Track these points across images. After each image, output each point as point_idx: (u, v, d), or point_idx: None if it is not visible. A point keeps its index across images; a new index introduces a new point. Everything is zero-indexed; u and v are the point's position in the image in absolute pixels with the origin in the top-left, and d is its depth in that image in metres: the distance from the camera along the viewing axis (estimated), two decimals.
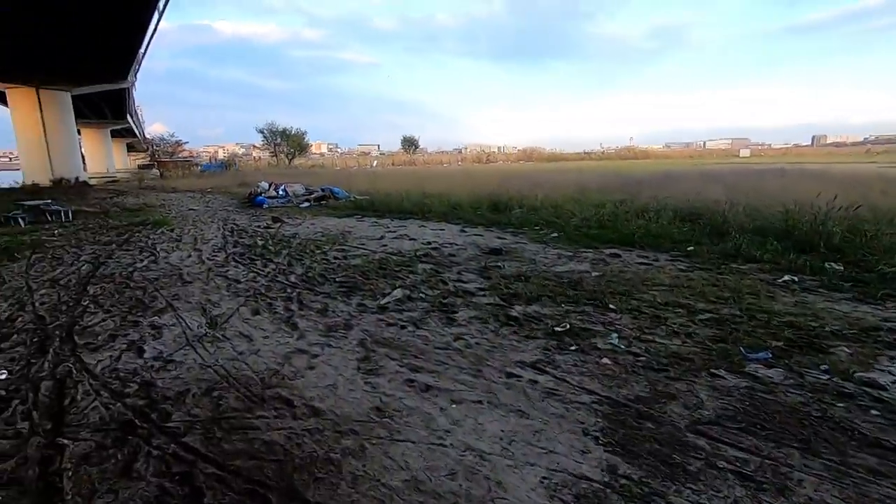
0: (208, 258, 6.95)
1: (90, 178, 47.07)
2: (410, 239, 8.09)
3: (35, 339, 3.79)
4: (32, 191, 21.79)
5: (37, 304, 4.74)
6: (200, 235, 9.03)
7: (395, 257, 6.63)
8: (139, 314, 4.37)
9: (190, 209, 14.26)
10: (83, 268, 6.45)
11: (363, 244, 7.73)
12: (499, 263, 6.06)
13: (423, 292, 4.87)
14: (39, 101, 32.22)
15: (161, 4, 21.85)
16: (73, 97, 34.76)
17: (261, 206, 14.11)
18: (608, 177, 19.61)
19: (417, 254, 6.79)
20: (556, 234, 8.03)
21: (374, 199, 13.33)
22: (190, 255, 7.16)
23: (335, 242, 7.93)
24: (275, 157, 59.58)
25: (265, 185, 16.28)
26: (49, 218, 11.76)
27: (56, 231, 9.68)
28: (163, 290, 5.17)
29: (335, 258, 6.69)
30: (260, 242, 8.05)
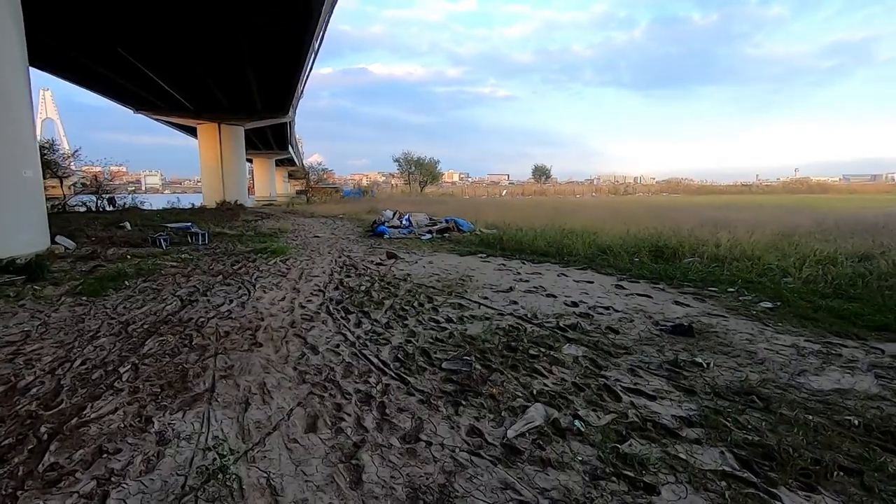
0: (301, 304, 5.75)
1: (256, 200, 53.46)
2: (548, 295, 6.10)
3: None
4: (195, 211, 24.24)
5: (74, 364, 3.76)
6: (308, 271, 8.09)
7: (529, 327, 4.70)
8: (164, 404, 3.06)
9: (315, 236, 13.99)
10: (169, 307, 5.65)
11: (486, 298, 5.94)
12: (696, 357, 3.79)
13: (579, 414, 2.87)
14: (220, 135, 36.99)
15: (311, 59, 23.37)
16: (246, 131, 39.52)
17: (382, 235, 13.28)
18: (798, 215, 15.42)
19: (561, 323, 4.78)
20: (768, 304, 5.40)
21: (503, 233, 11.58)
22: (283, 298, 6.06)
23: (452, 292, 6.27)
24: (408, 185, 61.94)
25: (389, 213, 15.61)
26: (189, 240, 12.13)
27: (182, 256, 9.60)
28: (220, 358, 3.90)
29: (448, 319, 4.99)
30: (365, 286, 6.74)
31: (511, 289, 6.44)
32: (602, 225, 12.22)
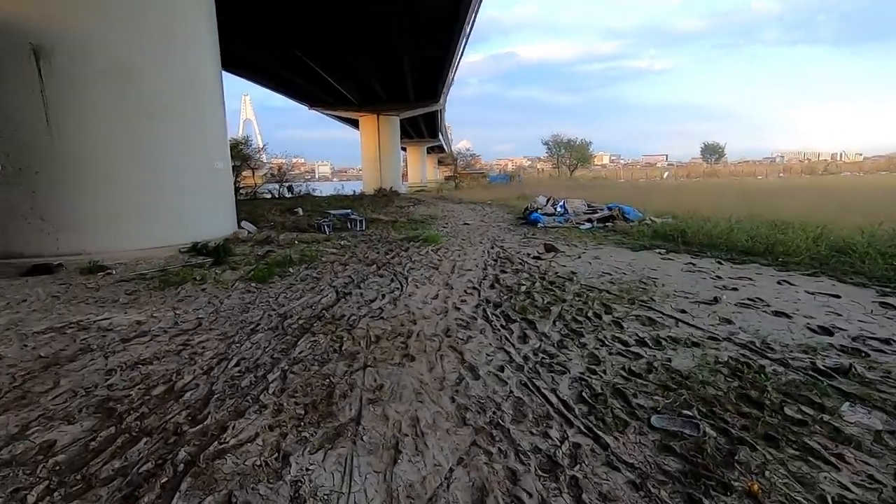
0: (455, 305, 5.10)
1: (409, 186, 56.48)
2: (776, 313, 4.51)
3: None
4: (355, 198, 25.93)
5: (230, 364, 3.57)
6: (460, 263, 7.50)
7: (766, 364, 3.33)
8: (305, 434, 2.57)
9: (465, 223, 13.57)
10: (325, 299, 5.47)
11: (684, 312, 4.61)
12: None
13: None
14: (378, 125, 39.39)
15: (462, 44, 23.05)
16: (400, 120, 41.53)
17: (535, 224, 12.26)
18: None
19: (819, 363, 3.30)
20: None
21: (684, 224, 9.69)
22: (436, 296, 5.49)
23: (633, 300, 5.05)
24: (556, 169, 59.39)
25: (542, 200, 14.48)
26: (348, 226, 12.62)
27: (341, 243, 9.83)
28: (369, 372, 3.37)
29: (639, 341, 3.85)
30: (524, 285, 5.86)
31: (716, 299, 4.95)
32: (820, 214, 9.51)
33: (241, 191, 24.73)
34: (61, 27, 7.85)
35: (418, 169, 76.63)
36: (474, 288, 5.85)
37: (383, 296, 5.54)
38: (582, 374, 3.27)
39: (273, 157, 40.48)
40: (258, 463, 2.32)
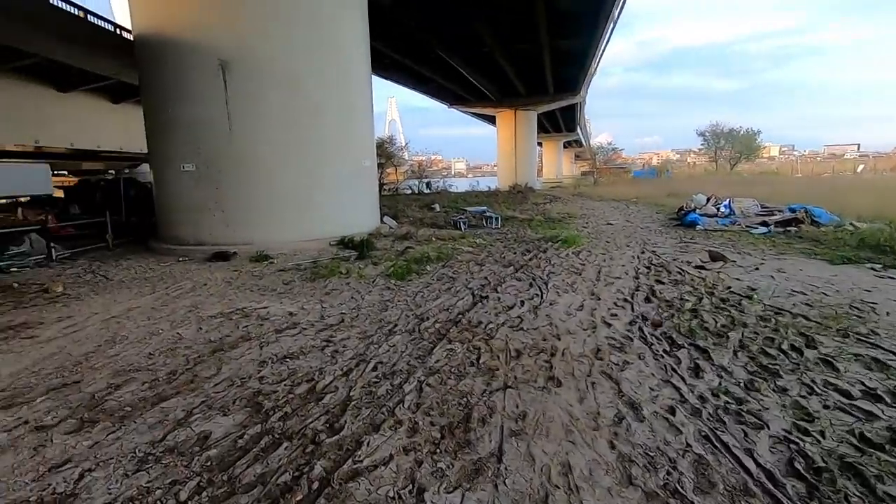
0: (605, 320, 4.49)
1: (543, 182, 55.17)
2: None
3: None
4: (490, 194, 25.84)
5: (368, 367, 3.49)
6: (607, 269, 6.77)
7: None
8: (441, 465, 2.30)
9: (608, 223, 12.51)
10: (461, 301, 5.26)
11: None
12: None
13: None
14: (515, 121, 39.00)
15: (609, 30, 21.41)
16: (538, 115, 40.60)
17: (692, 225, 10.76)
18: None
19: None
20: None
21: None
22: (581, 307, 4.93)
23: (845, 332, 3.93)
24: (714, 163, 52.78)
25: (701, 198, 12.70)
26: (484, 224, 12.46)
27: (477, 241, 9.66)
28: (510, 395, 3.01)
29: (866, 392, 2.89)
30: (688, 301, 4.98)
31: None
32: None
33: (384, 187, 26.35)
34: (239, 44, 8.87)
35: (554, 164, 74.44)
36: (626, 300, 5.15)
37: (522, 303, 5.14)
38: (787, 432, 2.50)
39: (414, 154, 42.59)
40: (391, 494, 2.10)
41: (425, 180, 33.29)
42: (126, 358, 3.89)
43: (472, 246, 9.11)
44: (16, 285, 6.92)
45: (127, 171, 23.82)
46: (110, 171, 25.38)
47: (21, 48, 10.67)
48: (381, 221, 11.98)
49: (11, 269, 8.10)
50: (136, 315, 5.19)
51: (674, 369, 3.33)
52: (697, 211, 11.73)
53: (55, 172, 29.79)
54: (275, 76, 9.05)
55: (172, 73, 9.08)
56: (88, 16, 13.20)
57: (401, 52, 22.94)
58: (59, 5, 12.06)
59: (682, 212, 12.20)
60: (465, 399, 2.97)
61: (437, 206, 17.25)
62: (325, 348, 3.95)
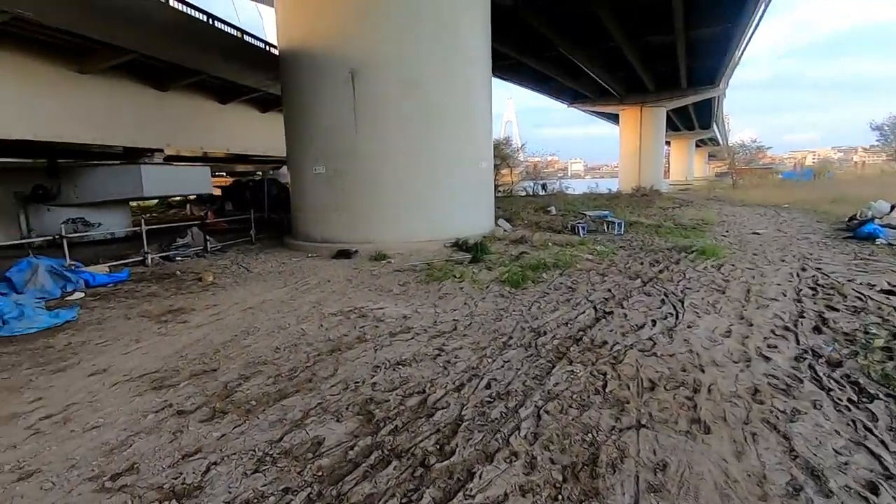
0: (760, 352, 3.76)
1: (671, 184, 50.76)
2: None
3: None
4: (610, 197, 24.29)
5: (481, 384, 3.27)
6: (758, 288, 5.78)
7: None
8: None
9: (754, 232, 10.90)
10: (582, 316, 4.82)
11: None
12: None
13: None
14: (640, 119, 36.45)
15: (760, 10, 18.79)
16: (667, 111, 37.49)
17: (871, 239, 8.89)
18: None
19: None
20: None
21: None
22: (728, 333, 4.21)
23: None
24: (895, 162, 44.02)
25: (883, 206, 10.46)
26: (605, 229, 11.65)
27: (597, 248, 8.99)
28: (644, 437, 2.58)
29: None
30: (878, 337, 3.98)
31: None
32: None
33: (498, 188, 26.19)
34: (367, 52, 9.27)
35: (683, 165, 68.19)
36: (786, 328, 4.29)
37: (653, 322, 4.55)
38: None
39: (529, 156, 41.86)
40: None
41: (541, 182, 32.50)
42: (256, 350, 4.14)
43: (592, 253, 8.49)
44: (178, 273, 7.95)
45: (271, 172, 26.69)
46: (258, 173, 28.68)
47: (192, 67, 12.35)
48: (496, 224, 11.79)
49: (177, 258, 9.36)
50: (269, 308, 5.59)
51: (868, 428, 2.60)
52: (877, 221, 9.68)
53: (216, 173, 34.58)
54: (397, 80, 9.31)
55: (309, 82, 9.80)
56: (245, 36, 14.95)
57: (521, 53, 22.56)
58: (223, 28, 13.81)
59: (856, 221, 10.18)
60: (590, 435, 2.60)
61: (553, 209, 16.62)
62: (438, 357, 3.82)
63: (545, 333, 4.32)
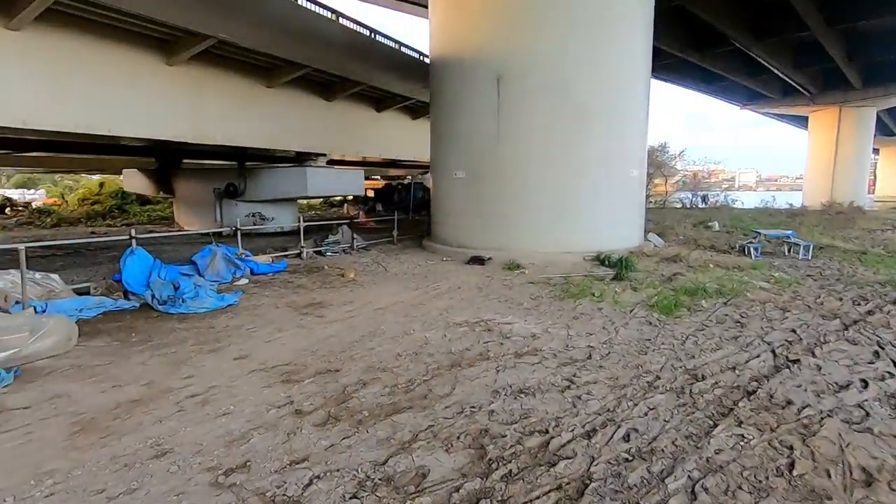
0: None
1: (875, 200, 41.38)
2: None
3: None
4: (792, 213, 20.48)
5: (615, 436, 2.72)
6: None
7: None
8: None
9: None
10: (755, 361, 3.88)
11: None
12: None
13: None
14: (839, 121, 30.46)
15: None
16: (878, 112, 30.74)
17: None
18: None
19: None
20: None
21: None
22: None
23: None
24: None
25: None
26: (785, 252, 9.72)
27: (775, 275, 7.44)
28: None
29: None
30: None
31: None
32: None
33: (649, 199, 23.95)
34: (513, 55, 9.00)
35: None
36: None
37: (864, 383, 3.44)
38: None
39: (689, 164, 37.66)
40: None
41: (700, 193, 28.98)
42: (379, 354, 4.10)
43: (768, 281, 7.05)
44: (326, 267, 8.57)
45: (419, 176, 28.19)
46: (408, 177, 30.53)
47: (354, 79, 13.46)
48: (645, 238, 10.61)
49: (327, 253, 10.17)
50: (398, 310, 5.61)
51: None
52: None
53: (370, 176, 37.77)
54: (544, 83, 8.87)
55: (455, 88, 9.88)
56: (402, 48, 15.88)
57: (685, 49, 20.26)
58: (383, 41, 14.85)
59: None
60: None
61: (715, 225, 14.53)
62: (567, 390, 3.33)
63: (704, 378, 3.54)
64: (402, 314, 5.42)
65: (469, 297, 6.28)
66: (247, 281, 7.30)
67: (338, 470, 2.38)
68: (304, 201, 29.82)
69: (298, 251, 9.69)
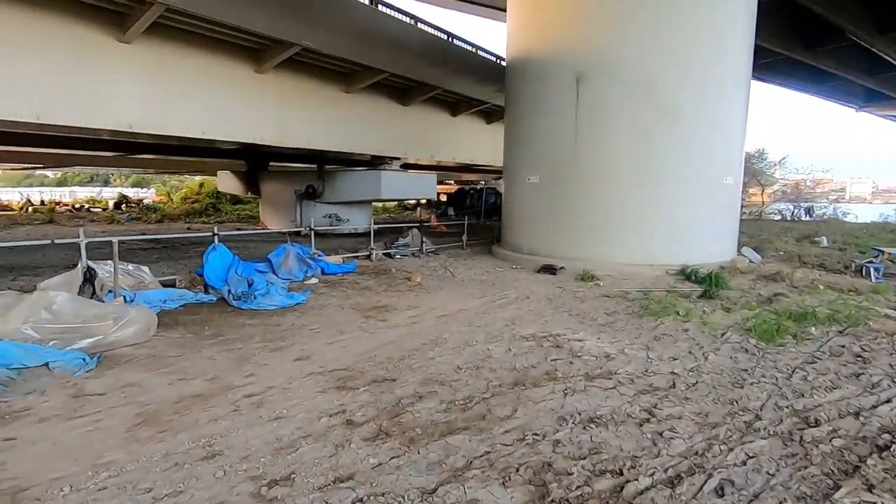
0: None
1: None
2: None
3: None
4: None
5: (706, 488, 2.29)
6: None
7: None
8: None
9: None
10: (886, 407, 3.21)
11: None
12: None
13: None
14: None
15: None
16: None
17: None
18: None
19: None
20: None
21: None
22: None
23: None
24: None
25: None
26: None
27: None
28: None
29: None
30: None
31: None
32: None
33: (743, 209, 21.89)
34: (595, 53, 8.48)
35: None
36: None
37: None
38: None
39: (790, 172, 34.15)
40: None
41: (804, 205, 26.09)
42: (438, 365, 3.90)
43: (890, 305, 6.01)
44: (393, 270, 8.56)
45: (493, 181, 27.92)
46: (482, 182, 30.37)
47: (431, 83, 13.52)
48: (739, 253, 9.59)
49: (396, 256, 10.20)
50: (462, 318, 5.39)
51: None
52: None
53: (445, 181, 38.05)
54: (628, 82, 8.29)
55: (531, 89, 9.54)
56: (479, 51, 15.75)
57: (789, 46, 18.31)
58: (460, 45, 14.79)
59: None
60: None
61: (823, 240, 12.90)
62: (645, 424, 2.93)
63: (818, 424, 2.96)
64: (465, 323, 5.19)
65: (537, 308, 5.92)
66: (317, 280, 7.45)
67: (383, 494, 2.19)
68: (380, 204, 30.66)
69: (368, 253, 9.80)
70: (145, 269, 6.08)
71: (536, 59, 9.43)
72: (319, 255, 8.44)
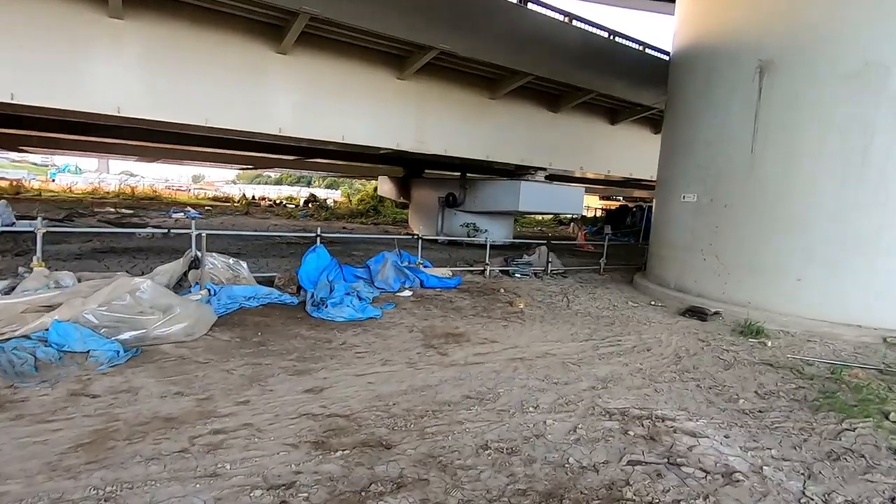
0: None
1: None
2: None
3: None
4: None
5: None
6: None
7: None
8: None
9: None
10: None
11: None
12: None
13: None
14: None
15: None
16: None
17: None
18: None
19: None
20: None
21: None
22: None
23: None
24: None
25: None
26: None
27: None
28: None
29: None
30: None
31: None
32: None
33: None
34: (786, 36, 6.30)
35: None
36: None
37: None
38: None
39: None
40: None
41: None
42: (461, 435, 2.90)
43: None
44: (502, 290, 7.60)
45: None
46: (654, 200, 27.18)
47: (584, 87, 12.12)
48: None
49: (516, 275, 9.18)
50: (540, 367, 4.23)
51: None
52: None
53: (612, 197, 35.06)
54: (836, 67, 5.96)
55: (697, 87, 7.64)
56: (646, 49, 13.71)
57: None
58: (624, 43, 13.02)
59: None
60: None
61: None
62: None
63: None
64: (540, 376, 4.02)
65: (653, 368, 4.40)
66: (411, 293, 6.92)
67: None
68: (539, 217, 29.50)
69: (483, 268, 8.99)
70: (243, 264, 6.25)
71: (707, 49, 7.51)
72: (424, 266, 7.93)
